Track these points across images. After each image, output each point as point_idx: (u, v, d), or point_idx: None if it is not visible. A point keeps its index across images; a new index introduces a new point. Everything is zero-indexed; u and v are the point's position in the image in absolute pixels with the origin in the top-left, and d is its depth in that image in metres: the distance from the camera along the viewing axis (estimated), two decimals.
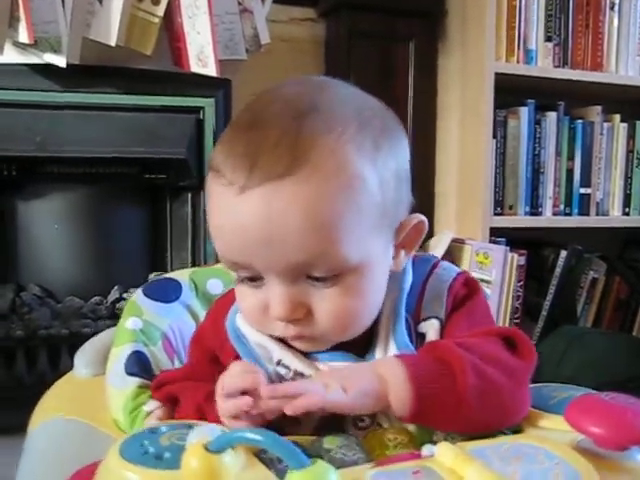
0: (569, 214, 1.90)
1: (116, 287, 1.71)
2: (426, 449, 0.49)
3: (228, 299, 0.68)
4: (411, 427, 0.56)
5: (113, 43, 1.46)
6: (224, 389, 0.55)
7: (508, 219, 1.82)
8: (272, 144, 0.53)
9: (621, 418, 0.51)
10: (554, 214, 1.88)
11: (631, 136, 1.94)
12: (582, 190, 1.90)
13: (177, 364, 0.80)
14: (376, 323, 0.61)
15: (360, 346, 0.61)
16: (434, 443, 0.54)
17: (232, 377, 0.55)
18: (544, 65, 1.80)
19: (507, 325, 1.71)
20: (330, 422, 0.57)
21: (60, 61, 1.46)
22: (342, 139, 0.55)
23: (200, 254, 1.74)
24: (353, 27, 1.87)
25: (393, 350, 0.60)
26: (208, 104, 1.68)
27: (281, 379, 0.61)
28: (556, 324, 1.84)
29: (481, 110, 1.75)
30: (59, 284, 1.68)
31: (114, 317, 1.65)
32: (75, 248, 1.70)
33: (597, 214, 1.92)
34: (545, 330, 1.84)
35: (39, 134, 1.52)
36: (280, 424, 0.55)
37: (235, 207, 0.54)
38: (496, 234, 1.80)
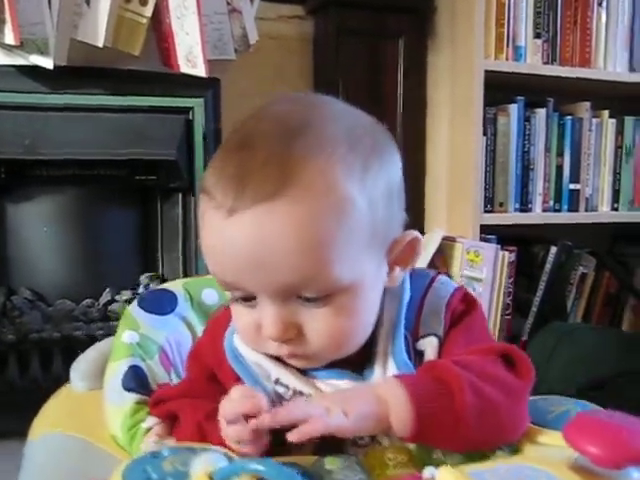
0: (559, 210, 1.91)
1: (107, 289, 1.70)
2: (427, 472, 0.49)
3: (225, 316, 0.68)
4: (411, 446, 0.57)
5: (101, 44, 1.45)
6: (225, 415, 0.55)
7: (498, 216, 1.83)
8: (260, 164, 0.53)
9: (617, 437, 0.51)
10: (544, 210, 1.89)
11: (619, 132, 1.95)
12: (571, 186, 1.91)
13: (174, 377, 0.80)
14: (374, 340, 0.61)
15: (358, 363, 0.61)
16: (434, 462, 0.55)
17: (232, 402, 0.55)
18: (533, 62, 1.81)
19: (498, 322, 1.72)
20: (330, 440, 0.57)
21: (47, 63, 1.45)
22: (332, 160, 0.55)
23: (191, 255, 1.73)
24: (341, 24, 1.87)
25: (392, 368, 0.60)
26: (197, 104, 1.67)
27: (280, 398, 0.61)
28: (546, 320, 1.86)
29: (471, 108, 1.75)
30: (50, 287, 1.67)
31: (106, 319, 1.65)
32: (65, 250, 1.69)
33: (586, 210, 1.94)
34: (535, 326, 1.85)
35: (27, 137, 1.51)
36: (282, 444, 0.55)
37: (225, 229, 0.55)
38: (486, 231, 1.81)
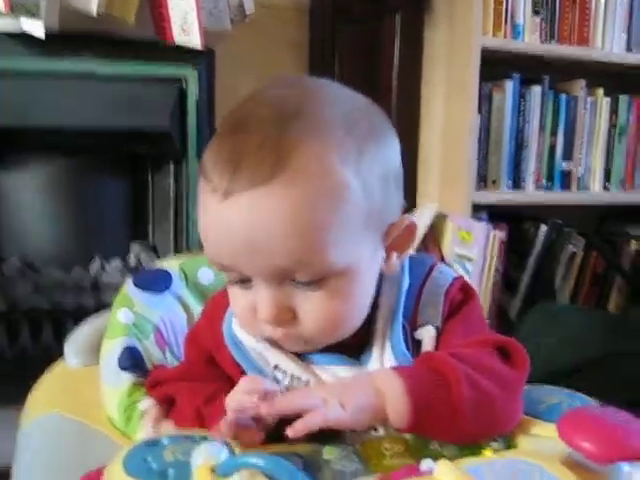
0: (550, 189, 1.91)
1: (98, 258, 1.69)
2: (424, 464, 0.50)
3: (223, 298, 0.67)
4: (407, 436, 0.57)
5: (94, 12, 1.41)
6: (231, 408, 0.55)
7: (490, 194, 1.84)
8: (256, 147, 0.53)
9: (610, 434, 0.52)
10: (536, 189, 1.90)
11: (614, 111, 1.95)
12: (564, 165, 1.92)
13: (169, 356, 0.80)
14: (372, 325, 0.62)
15: (355, 348, 0.62)
16: (430, 452, 0.56)
17: (236, 393, 0.56)
18: (531, 40, 1.79)
19: (488, 300, 1.73)
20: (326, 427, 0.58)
21: (38, 29, 1.42)
22: (327, 144, 0.55)
23: (182, 225, 1.73)
24: None
25: (389, 357, 0.61)
26: (191, 74, 1.64)
27: (278, 383, 0.62)
28: (534, 298, 1.88)
29: (467, 85, 1.74)
30: (40, 256, 1.65)
31: (96, 289, 1.64)
32: (56, 219, 1.68)
33: (578, 189, 1.94)
34: (523, 304, 1.87)
35: (18, 104, 1.48)
36: (280, 431, 0.56)
37: (220, 213, 0.55)
38: (478, 209, 1.82)
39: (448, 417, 0.54)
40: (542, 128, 1.88)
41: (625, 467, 0.53)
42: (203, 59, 1.65)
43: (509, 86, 1.82)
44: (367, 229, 0.57)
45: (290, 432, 0.50)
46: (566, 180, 1.93)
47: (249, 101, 0.59)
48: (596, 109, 1.93)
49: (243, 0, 1.56)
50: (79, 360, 0.83)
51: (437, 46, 1.84)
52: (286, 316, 0.57)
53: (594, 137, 1.95)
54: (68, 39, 1.48)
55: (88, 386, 0.76)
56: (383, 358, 0.61)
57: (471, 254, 1.69)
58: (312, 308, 0.57)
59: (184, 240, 1.71)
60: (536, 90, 1.85)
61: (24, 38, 1.45)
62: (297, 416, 0.53)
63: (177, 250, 1.75)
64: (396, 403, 0.53)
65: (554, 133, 1.90)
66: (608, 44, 1.86)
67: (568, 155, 1.92)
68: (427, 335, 0.61)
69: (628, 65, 1.88)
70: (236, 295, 0.60)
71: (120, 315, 0.79)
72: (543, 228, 1.89)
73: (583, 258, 2.01)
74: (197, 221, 0.59)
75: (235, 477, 0.44)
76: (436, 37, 1.84)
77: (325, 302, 0.56)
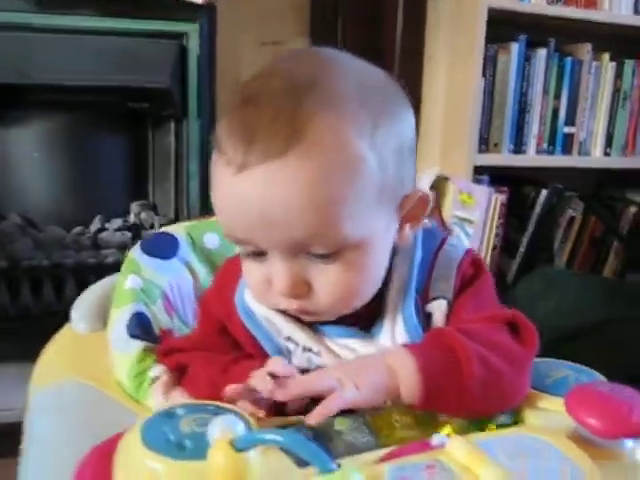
0: (552, 153, 1.91)
1: (98, 217, 1.69)
2: (436, 439, 0.51)
3: (233, 267, 0.68)
4: None
5: None
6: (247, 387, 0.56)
7: (492, 157, 1.83)
8: (269, 121, 0.53)
9: (616, 410, 0.54)
10: (537, 152, 1.89)
11: (618, 75, 1.93)
12: (566, 129, 1.91)
13: (176, 321, 0.81)
14: (384, 297, 0.63)
15: (367, 319, 0.62)
16: (439, 424, 0.57)
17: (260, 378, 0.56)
18: (537, 1, 1.76)
19: (487, 263, 1.74)
20: None
21: None
22: (342, 116, 0.54)
23: (183, 184, 1.72)
24: None
25: (400, 329, 0.62)
26: (192, 29, 1.61)
27: (290, 353, 0.63)
28: (533, 261, 1.89)
29: (472, 47, 1.71)
30: (40, 213, 1.66)
31: (96, 247, 1.65)
32: (56, 177, 1.67)
33: (579, 153, 1.94)
34: (522, 267, 1.89)
35: (18, 60, 1.46)
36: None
37: (234, 186, 0.55)
38: (479, 171, 1.81)
39: (458, 394, 0.55)
40: (546, 92, 1.86)
41: (629, 443, 0.55)
42: (204, 15, 1.62)
43: (514, 48, 1.79)
44: (381, 202, 0.57)
45: (310, 420, 0.51)
46: (567, 144, 1.92)
47: (261, 74, 0.58)
48: (601, 73, 1.91)
49: None
50: (87, 326, 0.83)
51: (442, 6, 1.81)
52: (301, 289, 0.57)
53: (597, 101, 1.94)
54: None
55: (99, 352, 0.76)
56: (394, 331, 0.62)
57: (472, 217, 1.69)
58: (327, 280, 0.57)
59: (184, 199, 1.71)
60: (541, 53, 1.82)
61: None
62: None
63: (177, 209, 1.75)
64: (408, 381, 0.54)
65: (558, 97, 1.88)
66: (616, 6, 1.84)
67: (571, 119, 1.90)
68: (438, 309, 0.62)
69: (636, 27, 1.85)
70: (250, 268, 0.60)
71: (128, 281, 0.80)
72: (543, 192, 1.89)
73: (582, 222, 2.01)
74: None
75: (253, 452, 0.45)
76: None
77: (340, 274, 0.57)
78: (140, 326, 0.75)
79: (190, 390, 0.65)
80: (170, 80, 1.58)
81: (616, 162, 1.98)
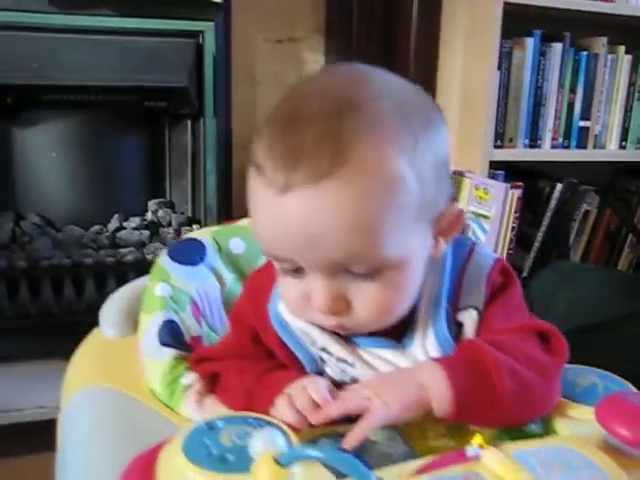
0: (567, 147, 1.90)
1: (116, 216, 1.70)
2: (471, 450, 0.52)
3: (265, 275, 0.69)
4: None
5: None
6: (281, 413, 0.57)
7: (508, 152, 1.83)
8: (312, 144, 0.53)
9: None
10: (552, 147, 1.89)
11: (634, 69, 1.92)
12: (581, 123, 1.90)
13: (205, 327, 0.82)
14: (415, 308, 0.63)
15: (398, 329, 0.63)
16: (470, 433, 0.58)
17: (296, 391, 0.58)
18: None
19: (504, 255, 1.75)
20: None
21: None
22: (383, 138, 0.55)
23: (200, 182, 1.73)
24: None
25: (432, 340, 0.62)
26: (208, 28, 1.61)
27: (324, 363, 0.64)
28: (548, 256, 1.89)
29: (487, 41, 1.71)
30: (58, 213, 1.67)
31: (115, 246, 1.66)
32: (73, 176, 1.69)
33: (595, 147, 1.93)
34: (537, 261, 1.89)
35: (36, 60, 1.47)
36: None
37: (276, 207, 0.55)
38: (494, 166, 1.81)
39: (489, 407, 0.56)
40: (561, 86, 1.86)
41: None
42: (220, 13, 1.62)
43: (530, 43, 1.79)
44: (420, 219, 0.58)
45: (347, 444, 0.52)
46: (583, 138, 1.91)
47: (298, 92, 0.59)
48: (616, 67, 1.91)
49: None
50: (116, 331, 0.85)
51: (458, 0, 1.80)
52: (340, 306, 0.58)
53: (613, 95, 1.93)
54: None
55: (129, 358, 0.77)
56: (425, 341, 0.62)
57: (488, 213, 1.69)
58: (366, 298, 0.58)
59: (202, 197, 1.72)
60: (557, 47, 1.82)
61: None
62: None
63: (195, 207, 1.76)
64: (440, 396, 0.55)
65: (573, 91, 1.87)
66: None
67: (586, 113, 1.90)
68: (469, 318, 0.63)
69: None
70: (288, 283, 0.61)
71: (157, 289, 0.81)
72: (558, 186, 1.89)
73: (597, 216, 2.01)
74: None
75: (296, 468, 0.46)
76: None
77: (379, 292, 0.58)
78: (171, 334, 0.76)
79: (224, 399, 0.66)
80: (187, 79, 1.59)
81: (632, 155, 1.98)
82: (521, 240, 1.90)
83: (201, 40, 1.61)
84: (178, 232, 1.72)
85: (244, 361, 0.66)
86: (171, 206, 1.79)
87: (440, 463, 0.52)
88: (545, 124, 1.86)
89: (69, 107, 1.61)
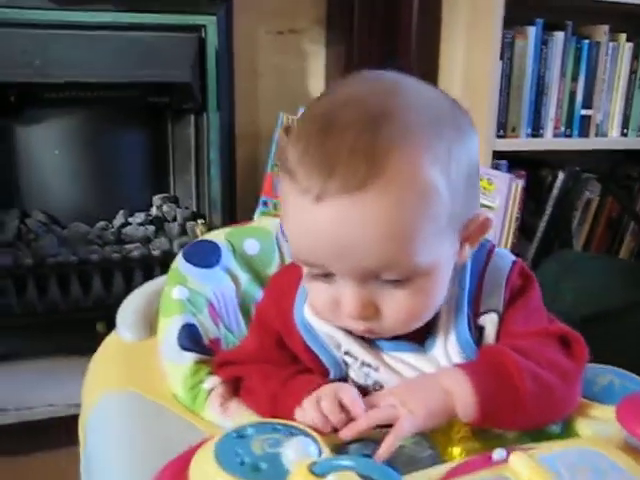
0: (569, 136, 1.91)
1: (121, 212, 1.71)
2: (497, 454, 0.53)
3: (287, 278, 0.70)
4: None
5: None
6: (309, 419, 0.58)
7: (510, 142, 1.83)
8: (348, 153, 0.54)
9: None
10: (555, 136, 1.89)
11: (635, 56, 1.92)
12: (583, 112, 1.90)
13: (222, 329, 0.83)
14: (437, 312, 0.64)
15: (420, 333, 0.64)
16: (494, 435, 0.59)
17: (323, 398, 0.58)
18: None
19: (508, 245, 1.75)
20: None
21: None
22: (417, 149, 0.55)
23: (203, 177, 1.73)
24: None
25: (453, 344, 0.63)
26: (210, 22, 1.61)
27: (348, 367, 0.65)
28: (551, 245, 1.90)
29: (489, 31, 1.71)
30: (62, 210, 1.68)
31: (120, 242, 1.67)
32: (77, 173, 1.69)
33: (596, 135, 1.94)
34: (539, 250, 1.90)
35: (37, 57, 1.46)
36: None
37: (309, 215, 0.56)
38: (497, 156, 1.82)
39: (512, 412, 0.57)
40: (563, 75, 1.86)
41: None
42: (221, 6, 1.62)
43: (531, 32, 1.79)
44: (450, 227, 0.59)
45: (379, 457, 0.52)
46: (585, 126, 1.92)
47: (331, 99, 0.59)
48: (617, 55, 1.91)
49: None
50: (133, 335, 0.85)
51: None
52: (370, 311, 0.59)
53: (614, 83, 1.93)
54: None
55: (149, 362, 0.78)
56: (447, 345, 0.63)
57: (492, 204, 1.70)
58: (396, 305, 0.59)
59: (206, 191, 1.72)
60: (558, 36, 1.82)
61: None
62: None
63: (199, 201, 1.76)
64: (464, 401, 0.56)
65: (575, 79, 1.88)
66: None
67: (588, 101, 1.90)
68: (490, 322, 0.64)
69: None
70: (317, 288, 0.61)
71: (174, 292, 0.81)
72: (561, 175, 1.90)
73: (599, 204, 2.02)
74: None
75: (331, 477, 0.47)
76: None
77: (409, 298, 0.58)
78: (190, 338, 0.77)
79: (249, 404, 0.67)
80: (190, 74, 1.59)
81: (633, 142, 1.98)
82: (524, 229, 1.90)
83: (203, 34, 1.60)
84: (183, 227, 1.73)
85: (268, 366, 0.67)
86: (175, 201, 1.79)
87: (467, 467, 0.53)
88: (547, 113, 1.87)
89: (72, 104, 1.61)
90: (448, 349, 0.63)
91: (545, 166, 1.94)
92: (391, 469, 0.48)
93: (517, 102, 1.83)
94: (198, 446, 0.56)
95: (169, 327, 0.78)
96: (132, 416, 0.70)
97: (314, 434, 0.55)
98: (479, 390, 0.56)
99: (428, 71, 1.87)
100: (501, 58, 1.77)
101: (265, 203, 1.68)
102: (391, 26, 1.82)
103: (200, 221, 1.68)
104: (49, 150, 1.64)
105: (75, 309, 1.59)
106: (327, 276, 0.59)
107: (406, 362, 0.63)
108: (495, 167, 1.81)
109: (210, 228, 1.68)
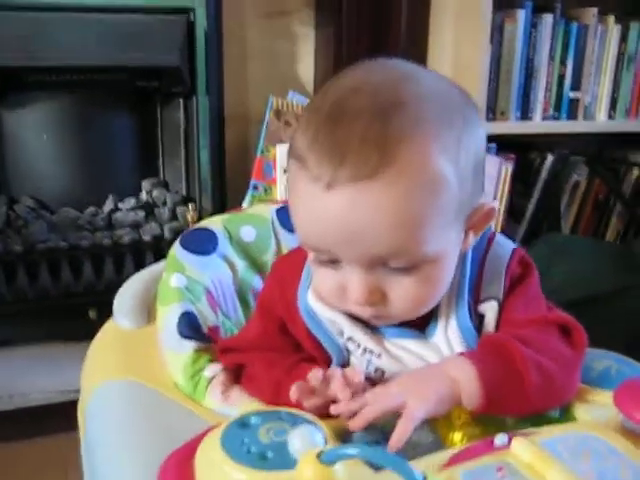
0: (557, 118, 1.92)
1: (111, 197, 1.70)
2: (499, 439, 0.54)
3: (290, 264, 0.71)
4: None
5: None
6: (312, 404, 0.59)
7: (499, 125, 1.83)
8: (359, 142, 0.54)
9: None
10: (543, 119, 1.90)
11: (623, 38, 1.93)
12: (571, 94, 1.91)
13: (221, 316, 0.83)
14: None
15: (421, 319, 0.64)
16: (495, 421, 0.60)
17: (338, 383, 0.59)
18: None
19: (498, 229, 1.77)
20: None
21: None
22: (427, 139, 0.56)
23: (193, 161, 1.72)
24: None
25: (454, 330, 0.64)
26: (199, 4, 1.59)
27: (350, 353, 0.66)
28: (539, 228, 1.92)
29: (479, 14, 1.70)
30: (51, 195, 1.66)
31: (111, 228, 1.66)
32: (66, 158, 1.67)
33: (584, 118, 1.95)
34: (528, 233, 1.92)
35: (22, 41, 1.44)
36: None
37: (319, 202, 0.56)
38: (487, 140, 1.81)
39: (516, 399, 0.58)
40: (552, 58, 1.86)
41: None
42: None
43: (521, 15, 1.78)
44: (457, 217, 0.59)
45: (391, 449, 0.53)
46: (573, 109, 1.93)
47: (343, 84, 0.59)
48: (606, 37, 1.91)
49: None
50: (131, 322, 0.85)
51: None
52: (376, 298, 0.59)
53: (602, 65, 1.94)
54: None
55: (148, 350, 0.78)
56: (448, 331, 0.64)
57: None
58: (403, 292, 0.59)
59: (195, 175, 1.71)
60: (547, 19, 1.82)
61: None
62: None
63: (189, 186, 1.76)
64: (469, 390, 0.57)
65: (563, 62, 1.88)
66: None
67: (576, 84, 1.91)
68: (491, 310, 0.65)
69: None
70: (323, 274, 0.62)
71: (173, 280, 0.81)
72: (549, 158, 1.91)
73: (586, 186, 2.04)
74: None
75: (339, 465, 0.48)
76: None
77: (415, 286, 0.59)
78: (190, 326, 0.77)
79: (251, 391, 0.67)
80: (179, 58, 1.57)
81: (621, 125, 2.00)
82: (512, 212, 1.92)
83: (192, 17, 1.58)
84: (173, 211, 1.72)
85: (272, 353, 0.67)
86: (165, 185, 1.78)
87: (469, 453, 0.54)
88: (536, 96, 1.87)
89: (59, 88, 1.59)
90: (449, 336, 0.64)
91: (534, 149, 1.95)
92: (398, 456, 0.49)
93: (506, 86, 1.83)
94: (203, 434, 0.57)
95: (168, 315, 0.79)
96: (133, 404, 0.70)
97: (319, 422, 0.56)
98: (484, 379, 0.57)
99: (417, 53, 1.86)
100: (490, 42, 1.76)
101: (255, 187, 1.68)
102: (380, 8, 1.81)
103: (191, 205, 1.68)
104: (37, 135, 1.62)
105: (66, 295, 1.59)
106: (334, 262, 0.60)
107: (408, 349, 0.64)
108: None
109: (200, 212, 1.68)
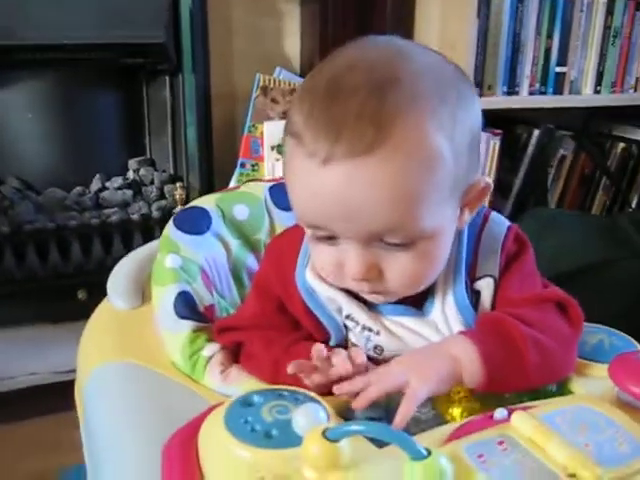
0: (544, 93, 1.92)
1: (97, 176, 1.68)
2: (498, 413, 0.55)
3: (287, 242, 0.71)
4: None
5: None
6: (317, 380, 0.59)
7: (486, 100, 1.83)
8: (355, 117, 0.54)
9: None
10: (530, 93, 1.90)
11: (610, 12, 1.93)
12: (557, 69, 1.91)
13: (216, 295, 0.83)
14: None
15: (418, 296, 0.65)
16: (493, 395, 0.61)
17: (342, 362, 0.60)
18: None
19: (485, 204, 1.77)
20: None
21: None
22: (423, 115, 0.56)
23: (180, 138, 1.71)
24: None
25: (451, 306, 0.65)
26: None
27: (348, 331, 0.66)
28: (526, 202, 1.93)
29: None
30: (37, 175, 1.65)
31: (98, 207, 1.65)
32: (52, 137, 1.65)
33: (570, 92, 1.95)
34: (515, 208, 1.93)
35: (5, 19, 1.41)
36: None
37: (315, 178, 0.56)
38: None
39: (517, 377, 0.59)
40: (538, 32, 1.86)
41: None
42: None
43: None
44: (453, 194, 0.59)
45: (396, 427, 0.53)
46: (559, 84, 1.93)
47: (339, 61, 0.59)
48: (592, 10, 1.91)
49: None
50: (125, 303, 0.85)
51: None
52: (373, 274, 0.60)
53: (588, 39, 1.94)
54: None
55: (144, 331, 0.78)
56: (445, 308, 0.65)
57: None
58: (399, 267, 0.60)
59: (182, 153, 1.70)
60: None
61: None
62: None
63: (176, 164, 1.74)
64: (471, 368, 0.57)
65: (550, 36, 1.88)
66: None
67: (563, 59, 1.91)
68: (487, 287, 0.65)
69: None
70: (321, 250, 0.62)
71: (167, 260, 0.81)
72: (536, 132, 1.91)
73: (572, 160, 2.05)
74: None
75: (343, 442, 0.48)
76: None
77: (412, 262, 0.59)
78: (186, 305, 0.77)
79: (250, 369, 0.68)
80: (165, 34, 1.55)
81: (606, 100, 2.00)
82: (499, 187, 1.92)
83: None
84: (161, 190, 1.71)
85: (270, 332, 0.68)
86: (152, 164, 1.77)
87: (470, 427, 0.55)
88: (523, 71, 1.87)
89: (44, 66, 1.57)
90: (446, 313, 0.65)
91: (520, 124, 1.96)
92: (402, 432, 0.49)
93: (493, 60, 1.83)
94: (206, 413, 0.58)
95: (164, 296, 0.78)
96: (133, 384, 0.71)
97: (321, 399, 0.56)
98: (485, 357, 0.57)
99: (404, 28, 1.85)
100: (477, 16, 1.76)
101: (243, 165, 1.67)
102: None
103: (179, 184, 1.66)
104: (22, 114, 1.60)
105: (54, 276, 1.58)
106: (331, 238, 0.60)
107: (406, 326, 0.65)
108: None
109: (188, 190, 1.67)
